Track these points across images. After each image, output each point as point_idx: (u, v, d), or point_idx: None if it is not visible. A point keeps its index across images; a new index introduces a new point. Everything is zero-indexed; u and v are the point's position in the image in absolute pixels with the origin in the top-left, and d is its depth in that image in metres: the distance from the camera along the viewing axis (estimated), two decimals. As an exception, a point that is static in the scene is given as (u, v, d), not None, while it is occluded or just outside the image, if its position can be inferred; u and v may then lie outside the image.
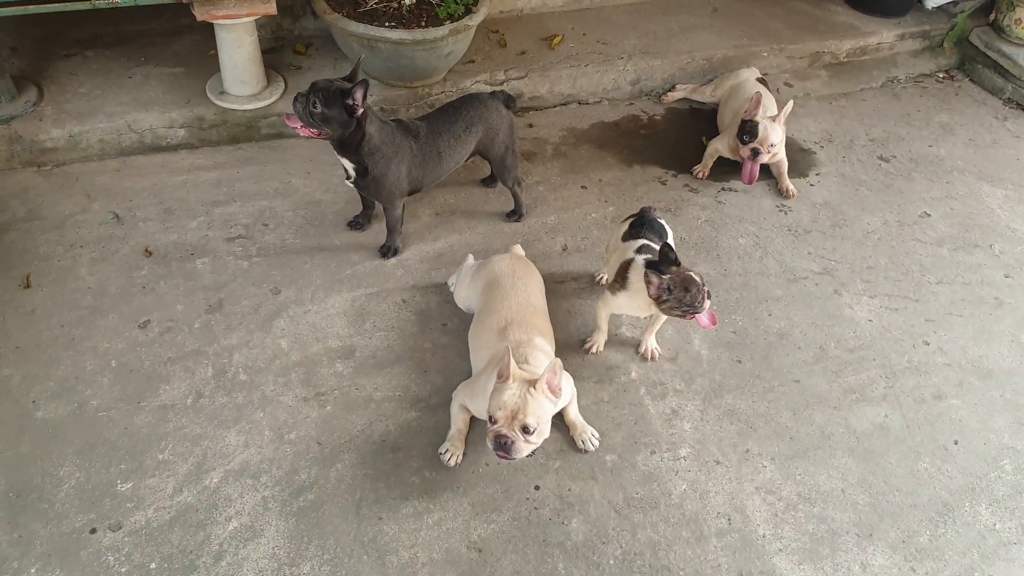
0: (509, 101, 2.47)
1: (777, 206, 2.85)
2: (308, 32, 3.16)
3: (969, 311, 2.49)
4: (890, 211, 2.87)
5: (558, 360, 1.72)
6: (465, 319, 2.25)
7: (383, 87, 2.96)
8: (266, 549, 1.75)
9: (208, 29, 2.67)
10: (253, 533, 1.77)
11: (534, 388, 1.68)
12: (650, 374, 2.19)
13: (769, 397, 2.16)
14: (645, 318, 2.20)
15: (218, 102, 2.79)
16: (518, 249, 2.36)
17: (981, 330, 2.43)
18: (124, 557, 1.71)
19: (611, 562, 1.78)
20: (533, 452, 1.74)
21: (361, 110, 2.09)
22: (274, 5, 2.55)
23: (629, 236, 2.13)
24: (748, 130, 2.67)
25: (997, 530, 1.91)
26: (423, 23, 2.78)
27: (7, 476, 1.83)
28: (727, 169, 2.94)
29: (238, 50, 2.69)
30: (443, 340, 2.24)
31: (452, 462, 1.92)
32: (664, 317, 2.15)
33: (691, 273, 1.90)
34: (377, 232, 2.53)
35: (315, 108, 2.07)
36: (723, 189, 2.89)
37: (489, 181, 2.76)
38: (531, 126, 3.11)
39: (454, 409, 1.99)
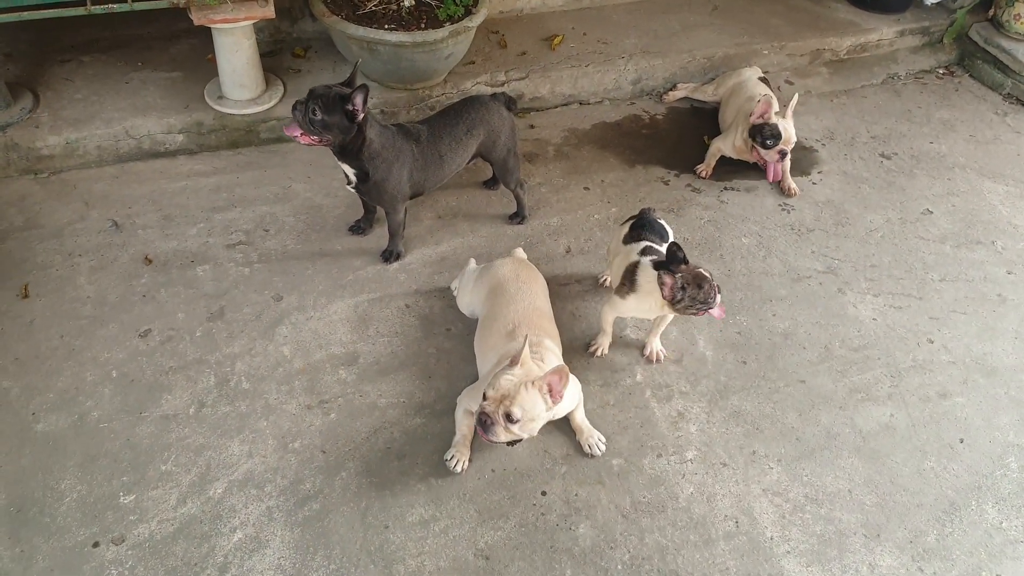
0: (510, 103, 2.44)
1: (780, 205, 2.83)
2: (307, 35, 3.13)
3: (973, 308, 2.48)
4: (892, 208, 2.85)
5: (566, 366, 1.70)
6: (469, 324, 2.23)
7: (383, 90, 2.93)
8: (271, 560, 1.73)
9: (206, 33, 2.63)
10: (258, 544, 1.75)
11: (532, 384, 1.68)
12: (655, 376, 2.17)
13: (775, 398, 2.15)
14: (650, 320, 2.18)
15: (217, 107, 2.76)
16: (520, 252, 2.33)
17: (985, 327, 2.42)
18: (127, 571, 1.69)
19: (619, 567, 1.76)
20: (514, 443, 1.75)
21: (361, 115, 2.06)
22: (272, 9, 2.52)
23: (630, 239, 2.11)
24: (770, 134, 2.65)
25: (1004, 528, 1.89)
26: (423, 25, 2.75)
27: (8, 490, 1.81)
28: (730, 168, 2.92)
29: (236, 54, 2.66)
30: (447, 345, 2.22)
31: (458, 468, 1.90)
32: (670, 318, 2.13)
33: (700, 269, 1.88)
34: (379, 236, 2.51)
35: (315, 115, 2.04)
36: (726, 188, 2.87)
37: (491, 183, 2.74)
38: (532, 127, 3.08)
39: (459, 415, 1.97)
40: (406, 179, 2.26)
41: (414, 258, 2.48)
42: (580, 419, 2.00)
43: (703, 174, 2.91)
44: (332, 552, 1.75)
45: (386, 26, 2.72)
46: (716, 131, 3.06)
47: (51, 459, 1.87)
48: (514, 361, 1.72)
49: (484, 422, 1.69)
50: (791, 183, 2.88)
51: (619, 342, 2.26)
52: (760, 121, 2.68)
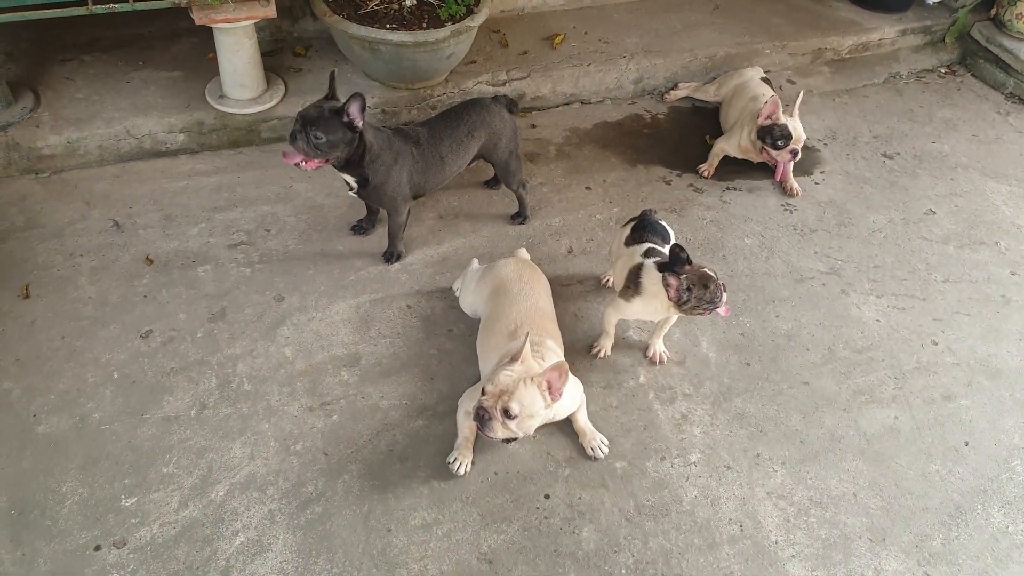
0: (512, 105, 2.41)
1: (782, 205, 2.79)
2: (307, 34, 3.09)
3: (976, 310, 2.45)
4: (895, 209, 2.82)
5: (565, 363, 1.68)
6: (471, 324, 2.20)
7: (384, 89, 2.90)
8: (274, 564, 1.70)
9: (207, 32, 2.60)
10: (260, 548, 1.72)
11: (531, 379, 1.65)
12: (658, 378, 2.14)
13: (778, 400, 2.12)
14: (653, 322, 2.15)
15: (218, 106, 2.73)
16: (523, 253, 2.31)
17: (989, 329, 2.39)
18: (129, 574, 1.66)
19: (623, 571, 1.74)
20: (510, 441, 1.73)
21: (360, 124, 2.02)
22: (274, 8, 2.49)
23: (632, 240, 2.08)
24: (781, 134, 2.63)
25: (1010, 532, 1.87)
26: (424, 24, 2.71)
27: (9, 493, 1.78)
28: (732, 168, 2.88)
29: (238, 54, 2.62)
30: (449, 346, 2.19)
31: (461, 471, 1.87)
32: (674, 319, 2.10)
33: (705, 269, 1.85)
34: (381, 236, 2.47)
35: (318, 139, 1.99)
36: (728, 188, 2.84)
37: (492, 183, 2.71)
38: (534, 126, 3.04)
39: (460, 416, 1.95)
40: (406, 180, 2.23)
41: (416, 258, 2.45)
42: (583, 421, 1.97)
43: (705, 174, 2.88)
44: (335, 556, 1.72)
45: (388, 25, 2.68)
46: (718, 131, 3.03)
47: (52, 461, 1.85)
48: (515, 358, 1.70)
49: (481, 417, 1.67)
50: (793, 183, 2.84)
51: (622, 343, 2.23)
52: (768, 122, 2.64)
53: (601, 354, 2.17)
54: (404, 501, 1.83)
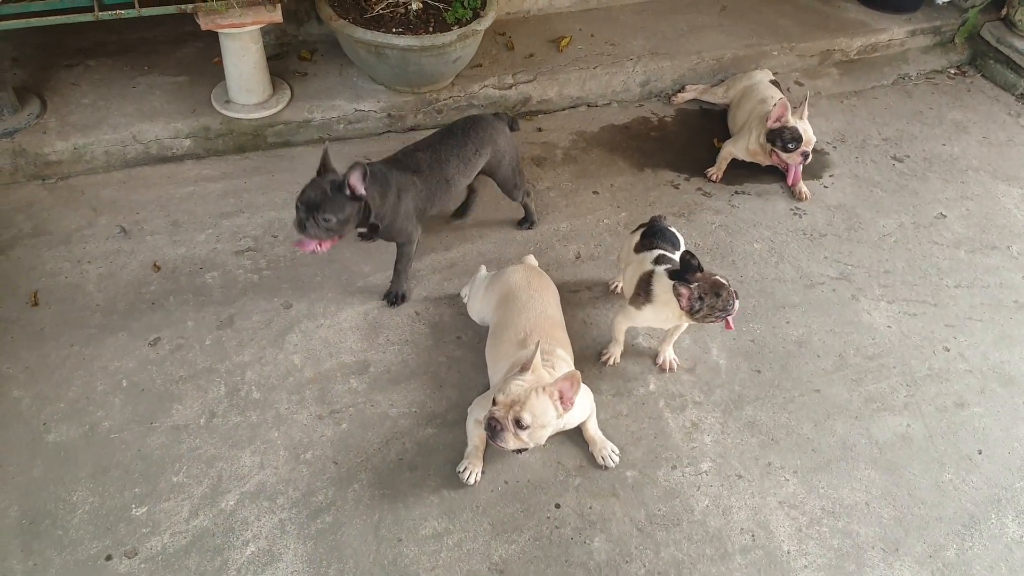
0: (513, 123, 2.38)
1: (791, 209, 2.78)
2: (313, 38, 3.09)
3: (989, 315, 2.43)
4: (905, 213, 2.80)
5: (577, 372, 1.67)
6: (479, 331, 2.19)
7: (390, 93, 2.89)
8: (284, 574, 1.70)
9: (212, 36, 2.59)
10: (271, 558, 1.72)
11: (542, 389, 1.65)
12: (669, 386, 2.13)
13: (789, 408, 2.11)
14: (663, 329, 2.14)
15: (224, 111, 2.72)
16: (531, 259, 2.29)
17: (1002, 335, 2.37)
18: (141, 585, 1.67)
19: (635, 582, 1.73)
20: (521, 451, 1.71)
21: (364, 191, 1.91)
22: (280, 13, 2.48)
23: (642, 247, 2.07)
24: (791, 137, 2.62)
25: (1024, 542, 1.86)
26: (430, 28, 2.70)
27: (20, 502, 1.78)
28: (740, 172, 2.87)
29: (243, 59, 2.61)
30: (458, 353, 2.18)
31: (471, 480, 1.87)
32: (684, 327, 2.09)
33: (717, 277, 1.84)
34: (388, 245, 2.46)
35: (328, 221, 1.90)
36: (736, 192, 2.82)
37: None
38: (540, 130, 3.03)
39: (470, 425, 1.94)
40: (412, 210, 2.14)
41: (423, 264, 2.44)
42: (593, 430, 1.97)
43: (714, 178, 2.86)
44: (345, 566, 1.72)
45: (394, 30, 2.67)
46: (726, 134, 3.01)
47: (63, 470, 1.85)
48: (525, 367, 1.69)
49: (493, 427, 1.66)
50: (803, 187, 2.83)
51: (631, 350, 2.22)
52: (778, 125, 2.63)
53: (610, 361, 2.17)
54: (414, 510, 1.82)
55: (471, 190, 2.52)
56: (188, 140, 2.72)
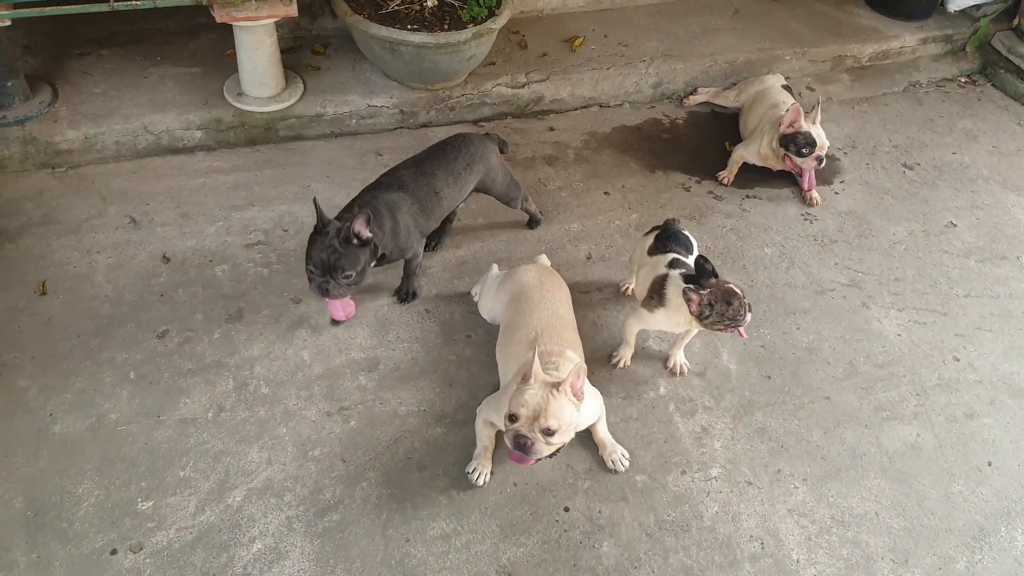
0: (503, 145, 2.33)
1: (802, 215, 2.74)
2: (326, 32, 3.03)
3: (999, 325, 2.40)
4: (915, 221, 2.76)
5: (582, 363, 1.64)
6: (489, 331, 2.16)
7: (403, 89, 2.84)
8: (291, 572, 1.66)
9: (225, 27, 2.54)
10: (278, 555, 1.69)
11: (557, 390, 1.61)
12: (679, 390, 2.10)
13: (799, 415, 2.07)
14: (675, 333, 2.10)
15: (236, 103, 2.68)
16: (544, 259, 2.25)
17: (1012, 346, 2.33)
18: (146, 580, 1.63)
19: (643, 588, 1.70)
20: (554, 454, 1.66)
21: (369, 234, 1.87)
22: (295, 7, 2.43)
23: (656, 250, 2.03)
24: (805, 142, 2.58)
25: (1032, 555, 1.82)
26: (446, 26, 2.65)
27: (25, 493, 1.75)
28: (751, 176, 2.83)
29: (257, 52, 2.56)
30: (467, 352, 2.14)
31: (480, 481, 1.83)
32: (695, 331, 2.05)
33: (730, 285, 1.80)
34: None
35: (348, 277, 1.87)
36: (748, 197, 2.78)
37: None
38: (552, 129, 2.99)
39: (479, 425, 1.90)
40: (412, 226, 2.07)
41: (434, 262, 2.40)
42: (603, 433, 1.93)
43: (725, 181, 2.82)
44: (352, 565, 1.68)
45: (409, 26, 2.63)
46: (737, 137, 2.97)
47: (68, 462, 1.81)
48: (526, 378, 1.64)
49: (523, 445, 1.59)
50: (814, 193, 2.79)
51: (641, 353, 2.18)
52: (791, 130, 2.59)
53: (621, 364, 2.13)
54: (422, 511, 1.79)
55: (447, 220, 2.38)
56: (199, 132, 2.67)
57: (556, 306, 1.99)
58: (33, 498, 1.74)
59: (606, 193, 2.73)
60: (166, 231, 2.40)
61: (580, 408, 1.67)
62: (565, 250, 2.49)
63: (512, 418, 1.62)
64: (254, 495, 1.78)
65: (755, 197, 2.79)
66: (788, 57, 3.34)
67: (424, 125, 2.91)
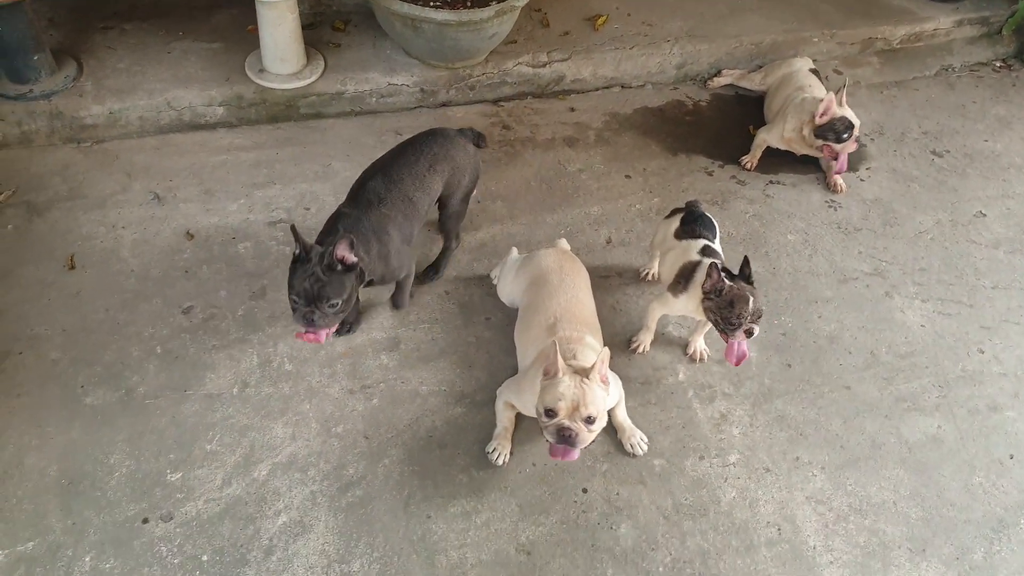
0: (479, 139, 2.16)
1: (826, 201, 2.69)
2: (347, 7, 2.99)
3: (1025, 318, 2.36)
4: (943, 210, 2.70)
5: (607, 349, 1.64)
6: (508, 314, 2.16)
7: (424, 67, 2.81)
8: (315, 545, 1.70)
9: (247, 2, 2.52)
10: (303, 528, 1.72)
11: (588, 378, 1.61)
12: (698, 376, 2.09)
13: (819, 403, 2.06)
14: (695, 319, 2.09)
15: (257, 80, 2.66)
16: (564, 243, 2.24)
17: (1037, 339, 2.30)
18: (176, 548, 1.67)
19: (660, 570, 1.72)
20: (592, 441, 1.66)
21: (354, 258, 1.72)
22: (318, -19, 2.39)
23: (684, 234, 2.01)
24: (844, 127, 2.51)
25: (1050, 547, 1.82)
26: (468, 3, 2.61)
27: (59, 462, 1.79)
28: (775, 161, 2.78)
29: (279, 28, 2.54)
30: (487, 335, 2.15)
31: (500, 461, 1.85)
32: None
33: (750, 296, 1.75)
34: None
35: (335, 306, 1.70)
36: (771, 182, 2.74)
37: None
38: (573, 110, 2.94)
39: (499, 407, 1.92)
40: (401, 244, 1.92)
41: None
42: (622, 417, 1.93)
43: (748, 166, 2.77)
44: (375, 540, 1.72)
45: (431, 3, 2.58)
46: (761, 121, 2.91)
47: (100, 433, 1.85)
48: (547, 372, 1.63)
49: (569, 436, 1.58)
50: (838, 178, 2.73)
51: (661, 339, 2.17)
52: (826, 119, 2.52)
53: (640, 349, 2.12)
54: (443, 488, 1.81)
55: (446, 247, 2.24)
56: (221, 108, 2.66)
57: (576, 291, 1.98)
58: (67, 467, 1.78)
59: (627, 176, 2.70)
60: (189, 207, 2.42)
61: (608, 394, 1.68)
62: (585, 234, 2.47)
63: (549, 413, 1.60)
64: (279, 469, 1.82)
65: (778, 183, 2.74)
66: (816, 39, 3.25)
67: (444, 104, 2.88)
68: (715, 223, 2.07)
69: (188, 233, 2.34)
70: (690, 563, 1.73)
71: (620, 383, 1.93)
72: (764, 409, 2.03)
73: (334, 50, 2.85)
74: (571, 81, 3.00)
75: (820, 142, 2.57)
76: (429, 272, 2.24)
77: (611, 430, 1.94)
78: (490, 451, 1.86)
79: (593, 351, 1.82)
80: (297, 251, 1.71)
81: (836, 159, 2.63)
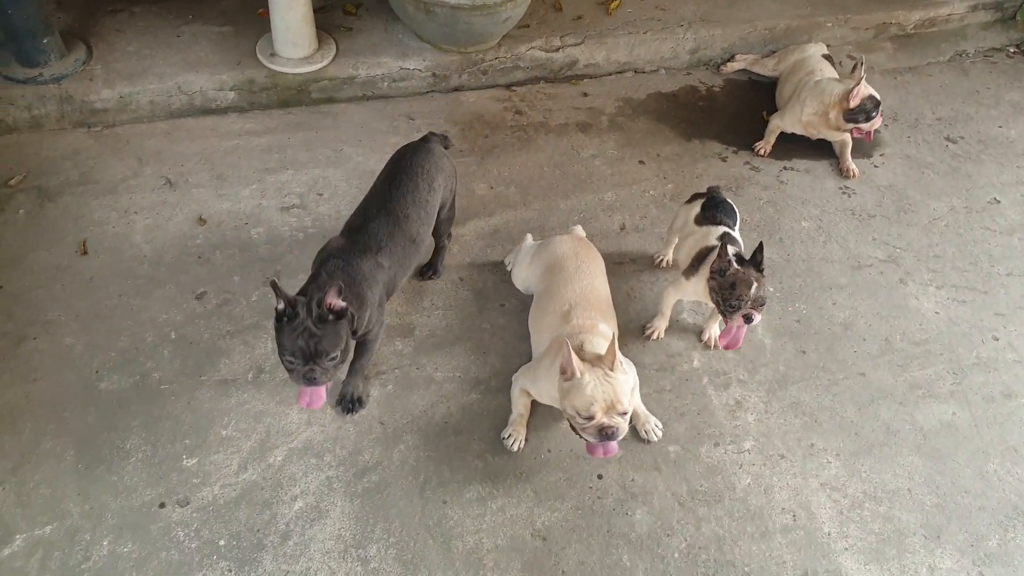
0: (446, 141, 2.06)
1: (840, 188, 2.62)
2: (358, -10, 2.91)
3: (1040, 306, 2.30)
4: (958, 196, 2.63)
5: (614, 335, 1.60)
6: (523, 300, 2.11)
7: (436, 52, 2.73)
8: (332, 530, 1.67)
9: (258, -14, 2.44)
10: (319, 513, 1.70)
11: (611, 370, 1.56)
12: (713, 363, 2.05)
13: (834, 390, 2.02)
14: (711, 305, 2.04)
15: (269, 64, 2.59)
16: (579, 230, 2.18)
17: (1053, 326, 2.24)
18: (193, 533, 1.65)
19: (676, 555, 1.69)
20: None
21: (344, 304, 1.59)
22: (329, -38, 2.31)
23: (705, 220, 1.95)
24: (874, 104, 2.44)
25: (1064, 535, 1.78)
26: (481, -16, 2.52)
27: (76, 447, 1.76)
28: (789, 147, 2.70)
29: (291, 11, 2.46)
30: (501, 321, 2.10)
31: (515, 447, 1.82)
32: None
33: (754, 281, 1.70)
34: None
35: (333, 359, 1.58)
36: (785, 168, 2.67)
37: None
38: (586, 95, 2.87)
39: (515, 393, 1.88)
40: (378, 299, 1.75)
41: (467, 230, 2.34)
42: (637, 403, 1.89)
43: (762, 152, 2.70)
44: (391, 525, 1.69)
45: (444, -16, 2.50)
46: (775, 107, 2.83)
47: (116, 418, 1.82)
48: (564, 370, 1.58)
49: (612, 434, 1.55)
50: (851, 164, 2.66)
51: (675, 326, 2.12)
52: (859, 101, 2.44)
53: (655, 336, 2.08)
54: (459, 474, 1.78)
55: (440, 246, 2.14)
56: (232, 93, 2.59)
57: (591, 277, 1.93)
58: (83, 451, 1.75)
59: (640, 162, 2.63)
60: (201, 193, 2.36)
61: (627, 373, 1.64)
62: (599, 220, 2.41)
63: (585, 416, 1.55)
64: (295, 455, 1.79)
65: (792, 169, 2.67)
66: (830, 24, 3.16)
67: (456, 89, 2.81)
68: (736, 210, 2.02)
69: (200, 218, 2.29)
70: (705, 549, 1.70)
71: (635, 369, 1.88)
72: (779, 396, 1.99)
73: (346, 34, 2.77)
74: (584, 66, 2.92)
75: (850, 125, 2.49)
76: (427, 272, 2.16)
77: (626, 417, 1.90)
78: (505, 437, 1.83)
79: (605, 339, 1.77)
80: (280, 306, 1.55)
81: (866, 137, 2.55)
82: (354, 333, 1.68)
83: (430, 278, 2.17)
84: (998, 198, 2.64)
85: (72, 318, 2.00)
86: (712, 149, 2.70)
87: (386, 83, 2.72)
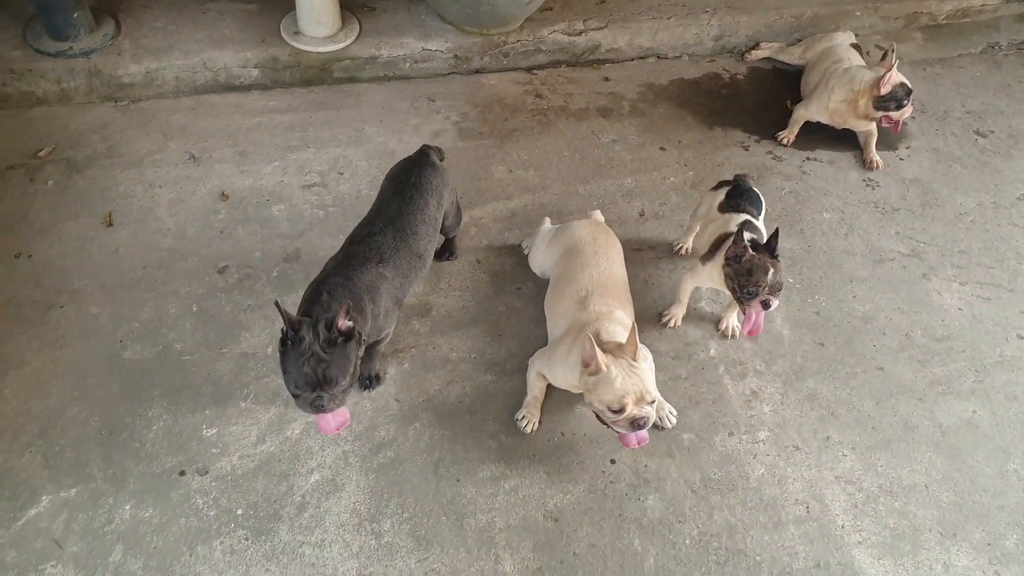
0: (440, 154, 1.98)
1: (864, 180, 2.54)
2: (382, -30, 2.85)
3: (1067, 305, 2.21)
4: (985, 192, 2.54)
5: (634, 324, 1.57)
6: (539, 284, 2.07)
7: (458, 33, 2.67)
8: (347, 504, 1.67)
9: (283, -37, 2.40)
10: (334, 487, 1.69)
11: (635, 360, 1.53)
12: (730, 352, 2.00)
13: (851, 384, 1.96)
14: (728, 293, 1.98)
15: (292, 43, 2.55)
16: (598, 215, 2.13)
17: (1079, 326, 2.16)
18: (212, 501, 1.65)
19: (687, 542, 1.66)
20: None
21: (351, 324, 1.50)
22: (354, -62, 2.26)
23: (728, 207, 1.89)
24: (906, 91, 2.35)
25: (1083, 537, 1.72)
26: (507, -36, 2.45)
27: (100, 414, 1.77)
28: (812, 137, 2.62)
29: (315, -13, 2.42)
30: (517, 304, 2.07)
31: (529, 429, 1.79)
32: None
33: (770, 267, 1.65)
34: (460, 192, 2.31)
35: (344, 386, 1.48)
36: (808, 159, 2.58)
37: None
38: (607, 80, 2.80)
39: (531, 376, 1.85)
40: (392, 307, 1.70)
41: (485, 212, 2.30)
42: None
43: (785, 142, 2.62)
44: (405, 501, 1.68)
45: (469, -36, 2.43)
46: (799, 96, 2.74)
47: (138, 387, 1.82)
48: (586, 364, 1.55)
49: (644, 424, 1.53)
50: (875, 155, 2.57)
51: (693, 314, 2.08)
52: (890, 88, 2.35)
53: (672, 323, 2.03)
54: (472, 453, 1.76)
55: (451, 239, 2.10)
56: (256, 70, 2.56)
57: (608, 263, 1.88)
58: (107, 418, 1.76)
59: (662, 148, 2.56)
60: (224, 168, 2.34)
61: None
62: (618, 206, 2.36)
63: (616, 410, 1.52)
64: (312, 429, 1.78)
65: (815, 159, 2.59)
66: (859, 12, 3.04)
67: (477, 71, 2.75)
68: (761, 199, 1.95)
69: (223, 194, 2.28)
70: (717, 537, 1.66)
71: (651, 356, 1.84)
72: (795, 387, 1.94)
73: (369, 14, 2.72)
74: (606, 50, 2.85)
75: (879, 113, 2.40)
76: (444, 254, 2.12)
77: (640, 403, 1.86)
78: (519, 419, 1.80)
79: (622, 326, 1.73)
80: (285, 330, 1.46)
81: (894, 127, 2.46)
82: (363, 343, 1.58)
83: (447, 259, 2.14)
84: (1027, 194, 2.54)
85: (98, 288, 2.01)
86: (734, 137, 2.63)
87: (408, 64, 2.67)
